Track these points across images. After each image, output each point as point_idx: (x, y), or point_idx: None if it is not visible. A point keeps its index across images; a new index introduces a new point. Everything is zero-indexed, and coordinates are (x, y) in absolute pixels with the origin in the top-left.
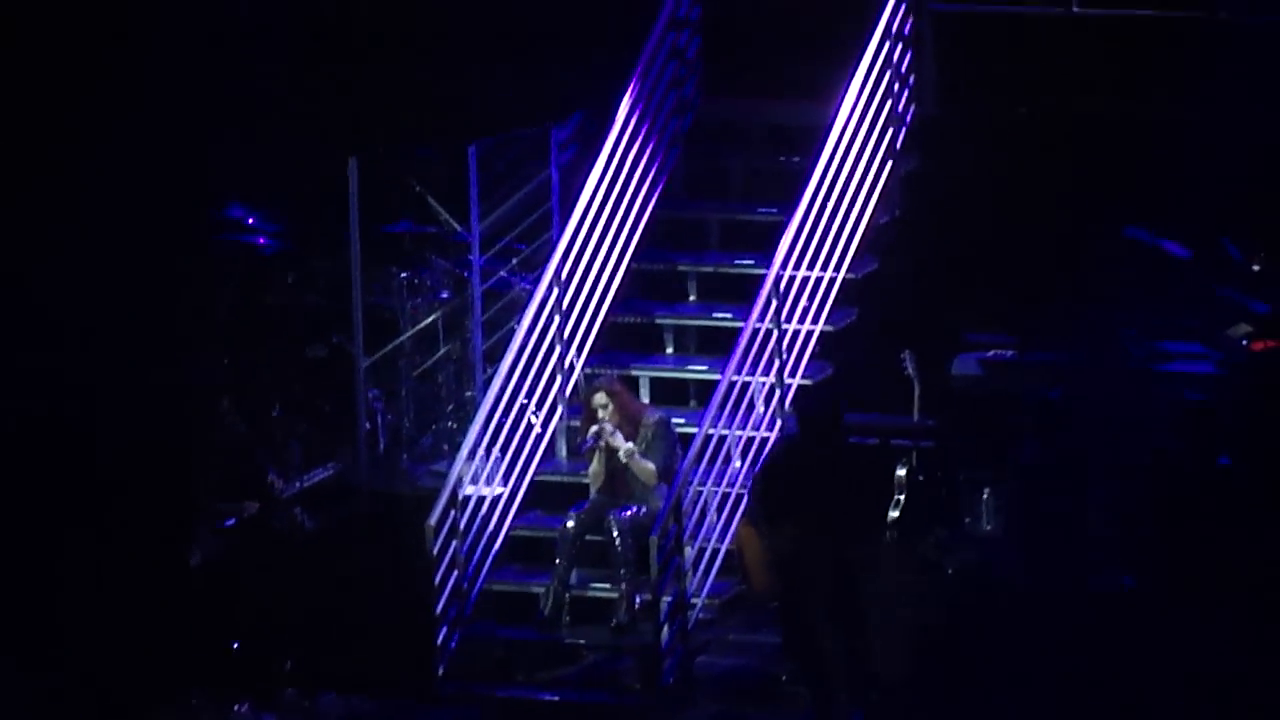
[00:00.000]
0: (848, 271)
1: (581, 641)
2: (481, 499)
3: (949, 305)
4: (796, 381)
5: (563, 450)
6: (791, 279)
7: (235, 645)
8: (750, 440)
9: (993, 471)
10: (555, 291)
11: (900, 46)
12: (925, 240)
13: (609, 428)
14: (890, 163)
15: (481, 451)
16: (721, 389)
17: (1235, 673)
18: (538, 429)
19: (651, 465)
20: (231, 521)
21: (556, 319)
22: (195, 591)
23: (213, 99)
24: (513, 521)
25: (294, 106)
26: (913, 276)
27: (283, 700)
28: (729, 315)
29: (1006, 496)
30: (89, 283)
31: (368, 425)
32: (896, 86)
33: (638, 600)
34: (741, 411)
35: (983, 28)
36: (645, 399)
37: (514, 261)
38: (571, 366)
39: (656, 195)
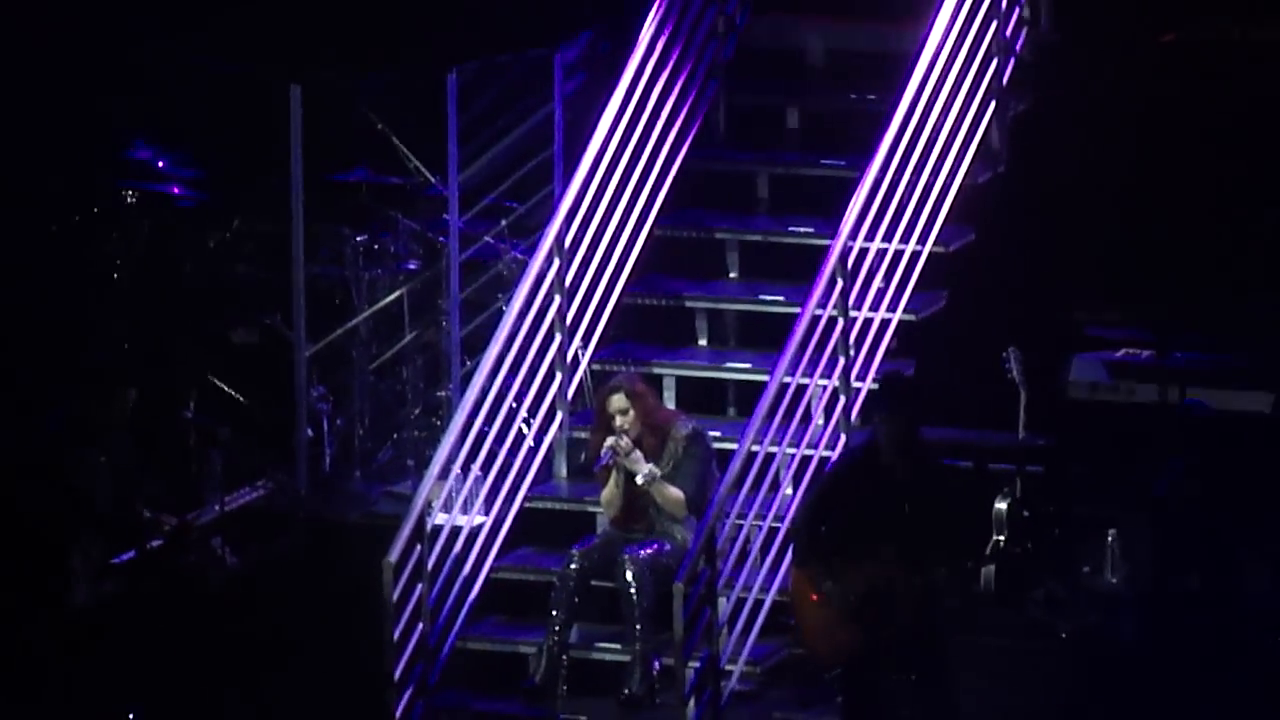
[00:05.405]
0: (936, 244)
1: (582, 718)
2: (456, 531)
3: (1067, 289)
4: (867, 385)
5: (563, 469)
6: (862, 252)
7: (131, 716)
8: (806, 460)
9: (1120, 507)
10: (556, 263)
11: None
12: (1037, 205)
13: (626, 444)
14: (994, 103)
15: (457, 469)
16: (770, 394)
17: None
18: (530, 441)
19: (680, 494)
20: (128, 555)
21: (557, 299)
22: (74, 647)
23: (114, 7)
24: (496, 560)
25: (219, 18)
26: (1020, 251)
27: None
28: (780, 298)
29: (1137, 539)
30: None
31: (310, 432)
32: (1004, 3)
33: (656, 665)
34: (795, 423)
35: None
36: (671, 405)
37: (503, 223)
38: (576, 361)
39: (689, 141)
